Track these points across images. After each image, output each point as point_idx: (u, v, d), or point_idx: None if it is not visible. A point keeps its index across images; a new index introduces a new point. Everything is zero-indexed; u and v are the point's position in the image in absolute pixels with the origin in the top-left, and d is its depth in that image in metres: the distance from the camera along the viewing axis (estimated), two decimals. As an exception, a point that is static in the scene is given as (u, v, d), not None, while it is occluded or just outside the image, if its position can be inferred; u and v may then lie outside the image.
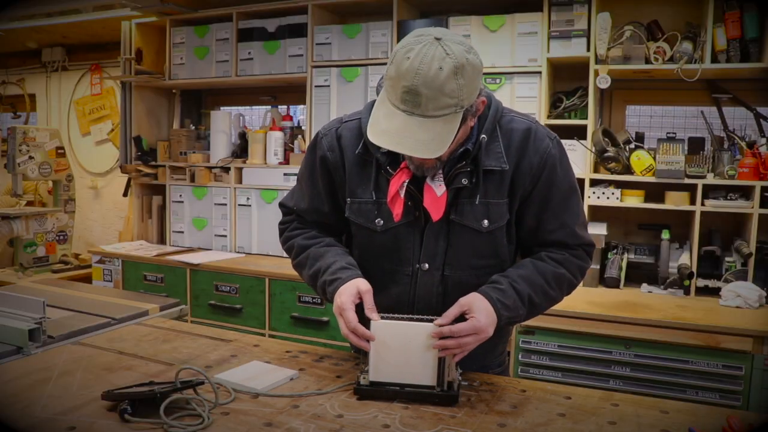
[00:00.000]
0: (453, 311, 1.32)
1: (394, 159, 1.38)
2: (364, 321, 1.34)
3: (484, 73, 2.94)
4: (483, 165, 1.35)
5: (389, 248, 1.45)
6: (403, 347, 1.32)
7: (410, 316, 1.36)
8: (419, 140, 1.20)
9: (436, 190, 1.35)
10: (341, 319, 1.34)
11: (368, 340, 1.31)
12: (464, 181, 1.36)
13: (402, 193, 1.34)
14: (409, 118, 1.19)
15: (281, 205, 1.63)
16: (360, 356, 1.37)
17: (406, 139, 1.20)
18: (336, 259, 1.45)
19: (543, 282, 1.39)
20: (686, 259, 2.76)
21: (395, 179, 1.34)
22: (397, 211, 1.34)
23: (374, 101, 1.35)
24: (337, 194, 1.50)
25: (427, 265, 1.43)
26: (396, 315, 1.36)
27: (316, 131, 3.33)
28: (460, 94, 1.19)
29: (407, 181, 1.33)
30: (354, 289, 1.36)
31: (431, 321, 1.32)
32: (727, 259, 2.70)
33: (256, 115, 4.33)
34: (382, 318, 1.34)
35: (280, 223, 1.64)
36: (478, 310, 1.31)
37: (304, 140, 3.46)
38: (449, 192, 1.36)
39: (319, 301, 3.00)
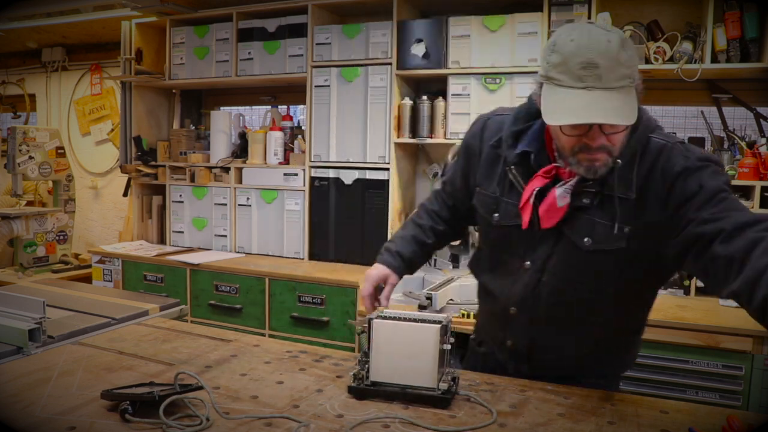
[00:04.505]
0: None
1: (521, 161, 1.39)
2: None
3: (484, 74, 2.98)
4: (611, 190, 1.30)
5: (500, 241, 1.49)
6: (405, 348, 1.32)
7: (413, 314, 1.36)
8: (609, 109, 1.18)
9: (559, 200, 1.33)
10: (366, 284, 1.56)
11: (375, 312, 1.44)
12: (586, 201, 1.33)
13: (531, 200, 1.35)
14: (591, 92, 1.18)
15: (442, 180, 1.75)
16: (361, 356, 1.37)
17: (595, 111, 1.18)
18: (395, 242, 1.64)
19: None
20: (686, 259, 2.76)
21: (529, 186, 1.36)
22: (526, 218, 1.36)
23: (527, 105, 1.41)
24: (469, 177, 1.55)
25: (528, 264, 1.43)
26: (400, 313, 1.36)
27: (317, 131, 3.37)
28: (631, 64, 1.20)
29: (538, 189, 1.34)
30: (383, 274, 1.58)
31: (435, 322, 1.32)
32: (727, 259, 2.69)
33: (256, 115, 4.33)
34: (386, 318, 1.35)
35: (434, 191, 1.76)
36: None
37: (304, 140, 3.47)
38: (568, 207, 1.33)
39: (319, 301, 3.00)
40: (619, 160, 1.28)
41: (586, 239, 1.33)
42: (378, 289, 1.58)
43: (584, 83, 1.18)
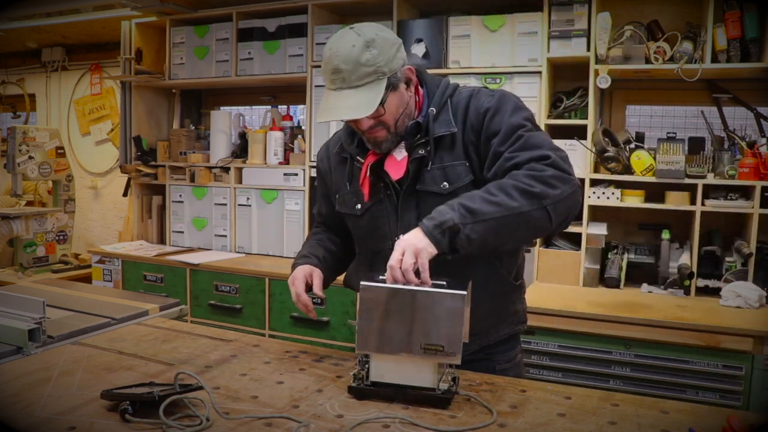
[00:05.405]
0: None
1: (363, 150, 1.54)
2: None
3: (484, 73, 2.98)
4: (434, 133, 1.48)
5: (371, 228, 1.58)
6: None
7: None
8: (349, 107, 1.39)
9: (397, 156, 1.51)
10: (292, 288, 1.60)
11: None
12: (421, 152, 1.48)
13: (368, 175, 1.51)
14: (338, 93, 1.40)
15: (313, 215, 1.87)
16: (361, 356, 1.37)
17: (338, 109, 1.40)
18: (304, 250, 1.70)
19: (479, 193, 1.35)
20: (686, 259, 2.76)
21: (364, 166, 1.52)
22: (365, 191, 1.52)
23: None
24: (330, 196, 1.69)
25: (402, 234, 1.42)
26: None
27: (317, 131, 3.36)
28: (376, 62, 1.38)
29: (373, 162, 1.51)
30: (307, 269, 1.61)
31: None
32: (727, 259, 2.70)
33: (256, 115, 4.33)
34: None
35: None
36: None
37: (304, 140, 3.47)
38: (412, 164, 1.48)
39: (319, 301, 3.00)
40: (432, 109, 1.49)
41: (443, 184, 1.48)
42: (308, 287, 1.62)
43: (335, 85, 1.40)
